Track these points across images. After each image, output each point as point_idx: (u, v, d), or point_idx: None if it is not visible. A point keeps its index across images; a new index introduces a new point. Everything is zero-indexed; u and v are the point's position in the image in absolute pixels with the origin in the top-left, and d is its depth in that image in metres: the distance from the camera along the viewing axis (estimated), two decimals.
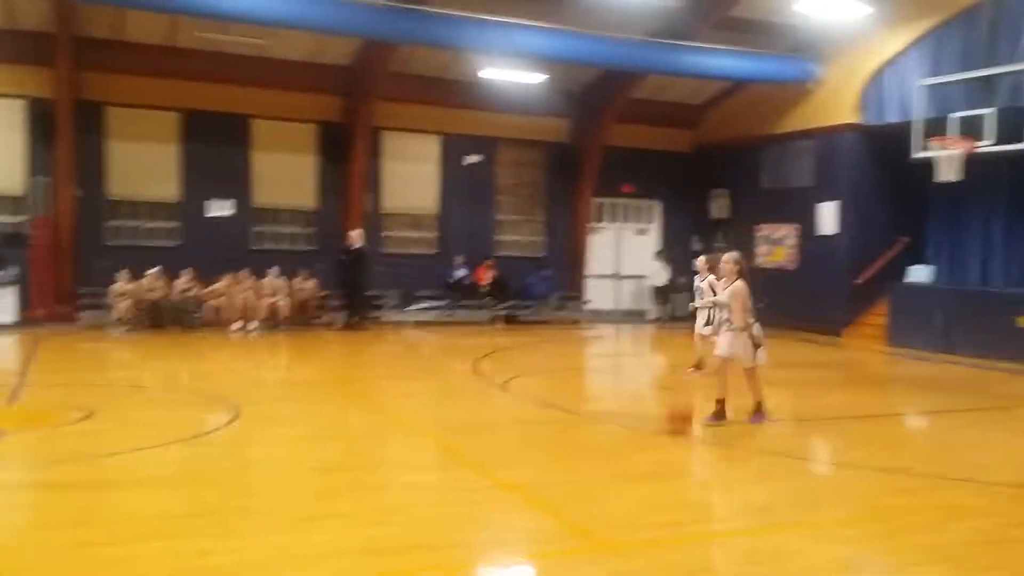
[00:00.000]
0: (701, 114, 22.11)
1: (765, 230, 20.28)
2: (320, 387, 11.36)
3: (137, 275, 16.33)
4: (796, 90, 18.99)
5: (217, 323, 16.57)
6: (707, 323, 11.45)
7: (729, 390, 8.46)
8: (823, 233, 18.70)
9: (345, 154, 18.72)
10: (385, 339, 16.94)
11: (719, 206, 21.85)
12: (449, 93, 19.12)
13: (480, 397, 10.81)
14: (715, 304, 11.22)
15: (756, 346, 8.47)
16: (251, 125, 18.33)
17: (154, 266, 16.51)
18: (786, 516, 5.88)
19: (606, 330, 20.05)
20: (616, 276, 22.23)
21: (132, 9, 15.27)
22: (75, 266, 16.56)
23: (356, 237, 17.92)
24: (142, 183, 17.57)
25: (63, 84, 16.06)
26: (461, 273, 19.73)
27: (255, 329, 16.68)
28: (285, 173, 18.75)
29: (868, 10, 15.13)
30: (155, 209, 17.81)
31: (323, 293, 17.95)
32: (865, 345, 16.90)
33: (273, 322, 16.97)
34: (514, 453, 7.61)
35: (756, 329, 8.52)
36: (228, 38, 16.72)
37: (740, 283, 8.48)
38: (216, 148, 17.93)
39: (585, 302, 21.11)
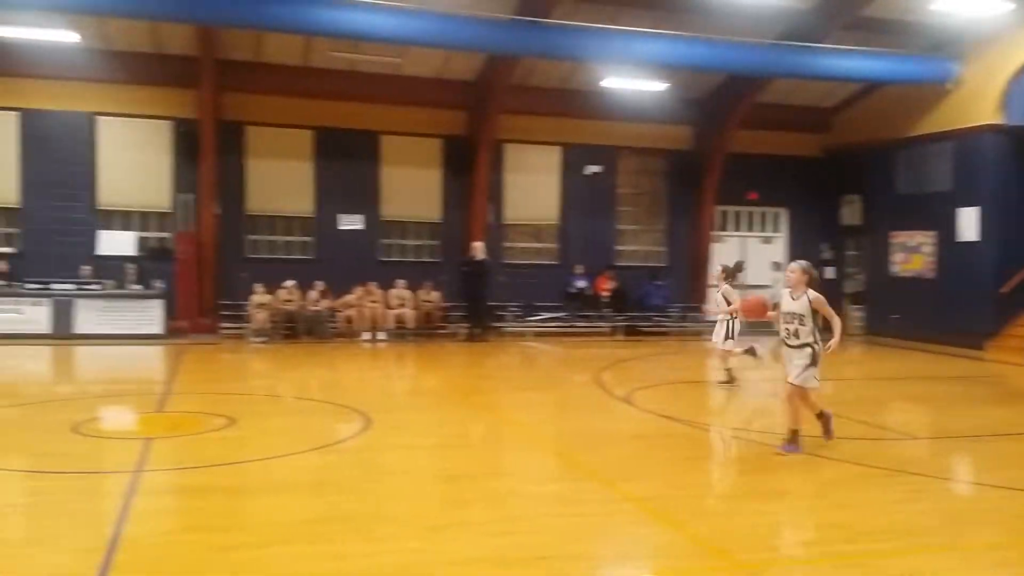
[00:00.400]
0: (831, 117, 21.37)
1: (900, 237, 19.39)
2: (445, 397, 11.58)
3: (273, 288, 17.10)
4: (933, 90, 18.10)
5: (348, 333, 17.16)
6: (727, 336, 11.95)
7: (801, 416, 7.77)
8: (963, 239, 17.72)
9: (468, 167, 19.06)
10: (506, 350, 17.11)
11: (851, 212, 21.06)
12: (570, 104, 19.20)
13: (602, 409, 10.76)
14: (733, 315, 11.81)
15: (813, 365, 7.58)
16: (380, 141, 18.92)
17: (289, 279, 17.25)
18: (933, 537, 5.60)
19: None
20: (740, 286, 21.69)
21: (271, 32, 16.04)
22: (216, 279, 17.48)
23: (478, 249, 18.19)
24: (278, 199, 18.41)
25: (207, 105, 17.01)
26: (581, 283, 19.72)
27: (383, 339, 17.17)
28: (411, 187, 19.25)
29: (1009, 6, 14.31)
30: (290, 224, 18.62)
31: (446, 304, 18.31)
32: (1009, 358, 15.89)
33: (400, 333, 17.43)
34: (638, 466, 7.54)
35: (818, 348, 7.62)
36: (361, 57, 17.31)
37: (815, 293, 7.60)
38: (347, 164, 18.60)
39: (707, 313, 20.70)
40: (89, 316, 16.14)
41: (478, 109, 18.76)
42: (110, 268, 16.89)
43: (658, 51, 16.11)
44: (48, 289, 16.09)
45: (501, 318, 18.84)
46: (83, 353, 15.25)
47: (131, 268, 16.98)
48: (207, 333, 16.85)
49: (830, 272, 20.91)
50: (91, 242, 17.18)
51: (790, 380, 7.61)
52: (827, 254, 20.66)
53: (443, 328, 18.14)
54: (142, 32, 16.33)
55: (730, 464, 7.75)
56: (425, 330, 17.75)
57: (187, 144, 17.39)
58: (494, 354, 16.49)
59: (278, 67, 17.60)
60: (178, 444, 8.13)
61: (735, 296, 12.11)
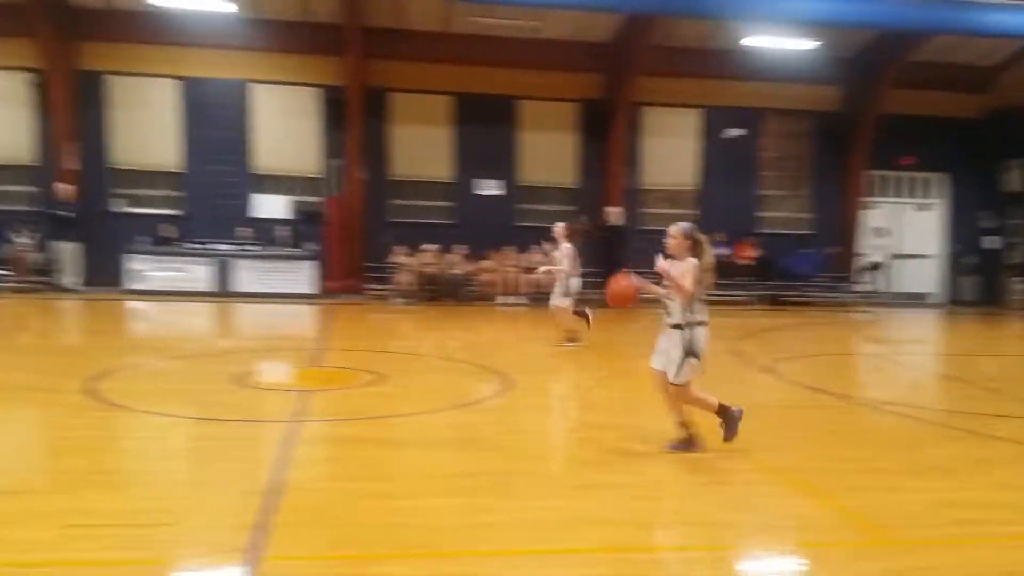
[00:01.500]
0: (995, 76, 19.98)
1: None
2: (582, 360, 11.64)
3: (416, 251, 17.59)
4: None
5: (486, 297, 17.48)
6: (565, 294, 11.88)
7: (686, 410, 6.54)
8: None
9: (605, 131, 18.92)
10: (642, 318, 16.97)
11: (1014, 178, 19.66)
12: (711, 64, 18.72)
13: (742, 379, 10.55)
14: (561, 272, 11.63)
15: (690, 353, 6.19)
16: (517, 106, 19.02)
17: (431, 242, 17.69)
18: None
19: (881, 313, 18.77)
20: (893, 256, 20.72)
21: None
22: (363, 242, 18.13)
23: (614, 214, 18.08)
24: (420, 164, 18.87)
25: (352, 72, 17.55)
26: (721, 251, 19.28)
27: (520, 303, 17.39)
28: (548, 152, 19.30)
29: None
30: (431, 188, 19.05)
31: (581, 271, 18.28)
32: None
33: (536, 297, 17.58)
34: (780, 437, 7.38)
35: (700, 334, 6.19)
36: (500, 21, 17.41)
37: (692, 261, 6.09)
38: (485, 129, 18.82)
39: (858, 283, 19.89)
40: (247, 275, 17.10)
41: (615, 71, 18.54)
42: (264, 230, 17.79)
43: (807, 7, 15.45)
44: (209, 249, 17.13)
45: None
46: (242, 310, 16.18)
47: (284, 230, 17.83)
48: (354, 294, 17.54)
49: (991, 242, 19.65)
50: (246, 205, 18.14)
51: (670, 379, 6.27)
52: (987, 222, 19.37)
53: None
54: (291, 1, 16.95)
55: (879, 438, 7.46)
56: None
57: (335, 111, 18.03)
58: (628, 320, 16.40)
59: (419, 33, 17.94)
60: (332, 397, 8.54)
61: (570, 257, 11.95)
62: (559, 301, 12.06)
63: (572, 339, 12.09)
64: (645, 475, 6.04)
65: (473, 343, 13.18)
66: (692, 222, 6.44)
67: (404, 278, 17.31)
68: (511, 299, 17.53)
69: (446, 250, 17.81)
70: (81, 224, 17.03)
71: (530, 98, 19.00)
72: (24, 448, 6.78)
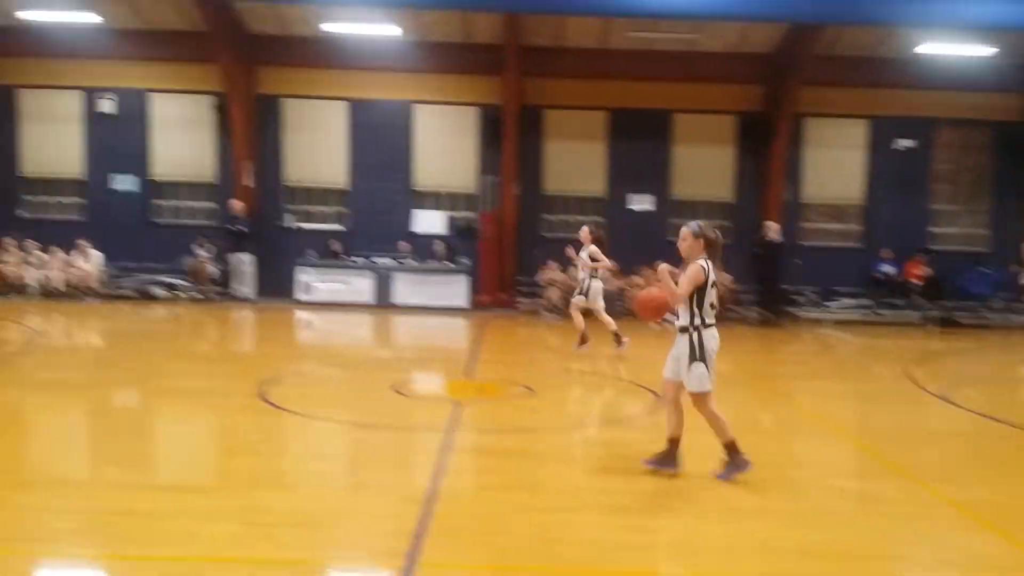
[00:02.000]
0: None
1: None
2: (738, 382, 11.30)
3: (567, 265, 17.65)
4: None
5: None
6: (580, 292, 12.20)
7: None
8: None
9: (764, 144, 18.39)
10: (801, 337, 16.34)
11: None
12: (880, 73, 17.87)
13: (911, 404, 9.95)
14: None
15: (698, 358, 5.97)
16: (672, 119, 18.81)
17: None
18: None
19: None
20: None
21: (575, 16, 16.52)
22: (515, 257, 18.41)
23: (772, 229, 17.51)
24: (572, 179, 18.99)
25: (510, 91, 17.90)
26: (888, 269, 18.33)
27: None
28: (703, 166, 18.97)
29: None
30: (584, 203, 19.12)
31: (737, 287, 17.83)
32: None
33: None
34: (957, 467, 6.92)
35: (707, 337, 6.01)
36: (658, 35, 17.30)
37: (700, 264, 5.99)
38: (639, 144, 18.72)
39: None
40: (405, 288, 17.70)
41: (776, 82, 18.01)
42: (422, 245, 18.38)
43: (986, 12, 14.49)
44: (371, 263, 17.87)
45: (796, 303, 18.02)
46: (399, 321, 16.75)
47: (440, 245, 18.36)
48: (505, 307, 17.81)
49: None
50: (406, 220, 18.80)
51: (688, 388, 6.02)
52: None
53: (734, 311, 17.71)
54: (454, 23, 17.49)
55: None
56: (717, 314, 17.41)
57: (491, 128, 18.42)
58: (787, 340, 15.84)
59: (576, 51, 18.09)
60: (484, 408, 8.69)
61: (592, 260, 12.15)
62: (576, 300, 12.34)
63: (583, 340, 12.18)
64: (804, 503, 5.79)
65: (623, 359, 13.07)
66: (700, 221, 6.30)
67: (554, 293, 17.42)
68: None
69: None
70: (256, 238, 18.13)
71: (686, 111, 18.73)
72: (205, 448, 7.28)
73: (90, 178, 18.97)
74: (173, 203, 19.28)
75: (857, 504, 5.82)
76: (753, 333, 16.44)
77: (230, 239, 17.90)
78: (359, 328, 16.11)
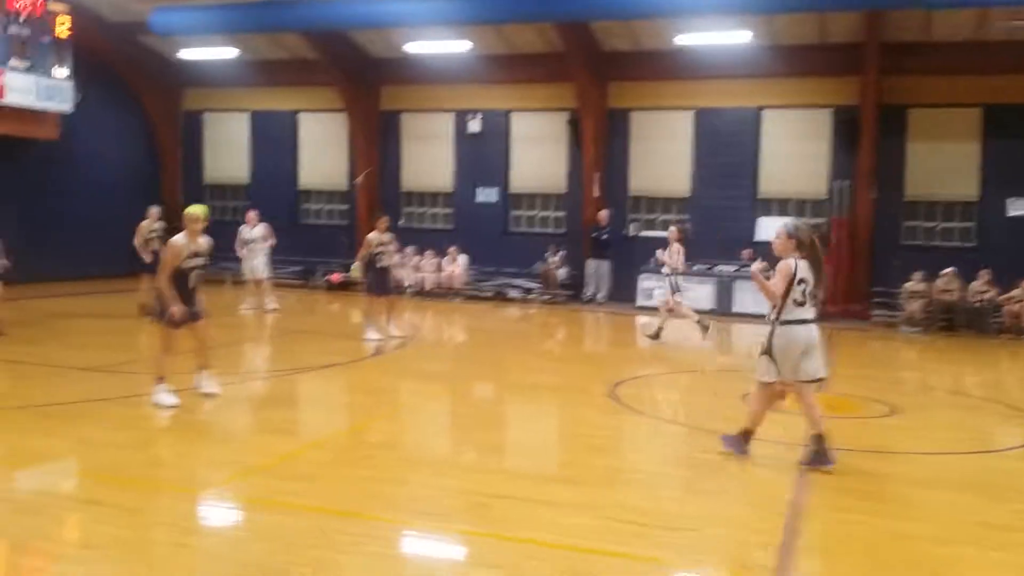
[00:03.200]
0: None
1: None
2: None
3: (930, 276, 16.26)
4: None
5: (1015, 330, 15.44)
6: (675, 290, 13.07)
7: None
8: None
9: None
10: None
11: None
12: None
13: None
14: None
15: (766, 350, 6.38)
16: None
17: (948, 267, 16.21)
18: None
19: None
20: None
21: (940, 9, 15.23)
22: (870, 266, 17.30)
23: None
24: (939, 182, 17.43)
25: (868, 90, 16.88)
26: None
27: None
28: None
29: None
30: (950, 209, 17.49)
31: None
32: None
33: None
34: None
35: (806, 333, 6.35)
36: None
37: (788, 262, 6.33)
38: (1019, 143, 16.69)
39: None
40: (746, 296, 17.37)
41: None
42: (765, 253, 17.90)
43: None
44: (713, 270, 17.80)
45: None
46: (742, 329, 16.48)
47: None
48: (857, 319, 16.80)
49: None
50: (750, 228, 18.45)
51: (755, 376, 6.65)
52: None
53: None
54: (808, 25, 16.87)
55: None
56: None
57: (846, 130, 17.50)
58: None
59: (944, 45, 16.58)
60: (843, 425, 8.30)
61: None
62: (666, 296, 13.05)
63: (656, 335, 12.96)
64: None
65: (996, 381, 11.79)
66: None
67: (915, 305, 16.09)
68: None
69: (967, 276, 16.10)
70: (608, 246, 18.90)
71: None
72: (564, 442, 7.79)
73: (457, 191, 20.97)
74: (528, 213, 20.70)
75: None
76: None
77: (595, 247, 18.80)
78: (699, 335, 16.08)
